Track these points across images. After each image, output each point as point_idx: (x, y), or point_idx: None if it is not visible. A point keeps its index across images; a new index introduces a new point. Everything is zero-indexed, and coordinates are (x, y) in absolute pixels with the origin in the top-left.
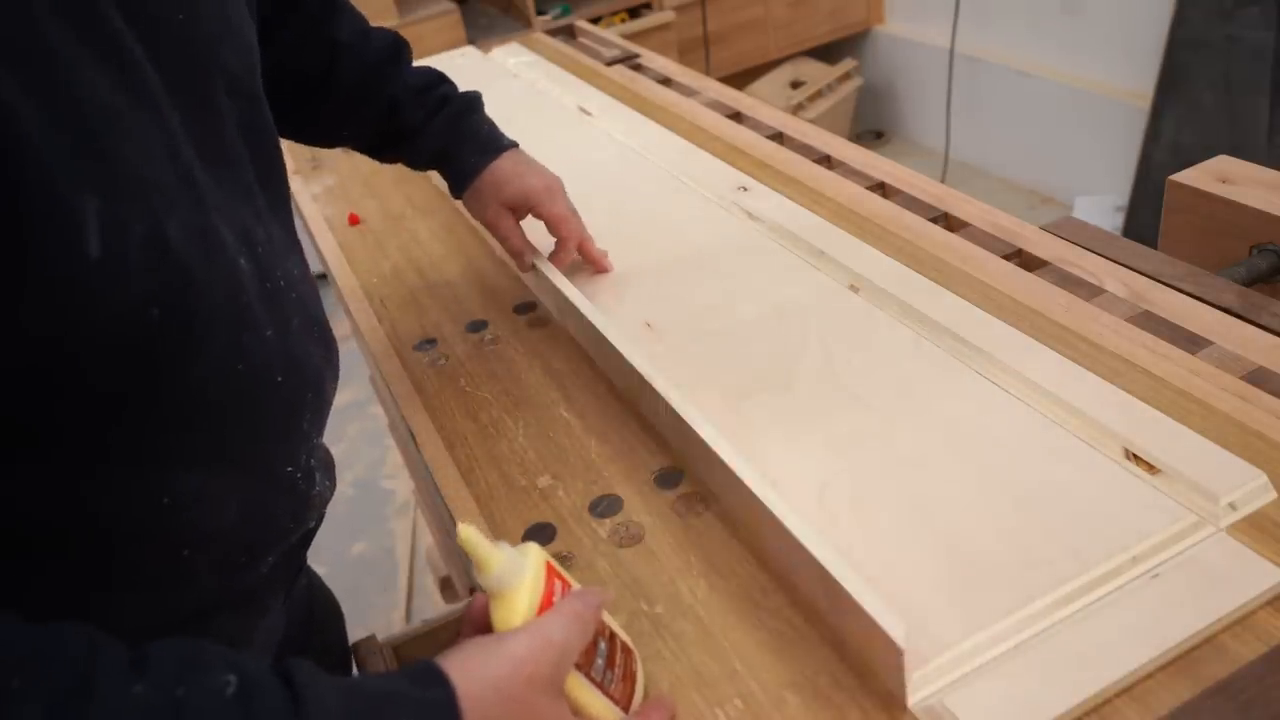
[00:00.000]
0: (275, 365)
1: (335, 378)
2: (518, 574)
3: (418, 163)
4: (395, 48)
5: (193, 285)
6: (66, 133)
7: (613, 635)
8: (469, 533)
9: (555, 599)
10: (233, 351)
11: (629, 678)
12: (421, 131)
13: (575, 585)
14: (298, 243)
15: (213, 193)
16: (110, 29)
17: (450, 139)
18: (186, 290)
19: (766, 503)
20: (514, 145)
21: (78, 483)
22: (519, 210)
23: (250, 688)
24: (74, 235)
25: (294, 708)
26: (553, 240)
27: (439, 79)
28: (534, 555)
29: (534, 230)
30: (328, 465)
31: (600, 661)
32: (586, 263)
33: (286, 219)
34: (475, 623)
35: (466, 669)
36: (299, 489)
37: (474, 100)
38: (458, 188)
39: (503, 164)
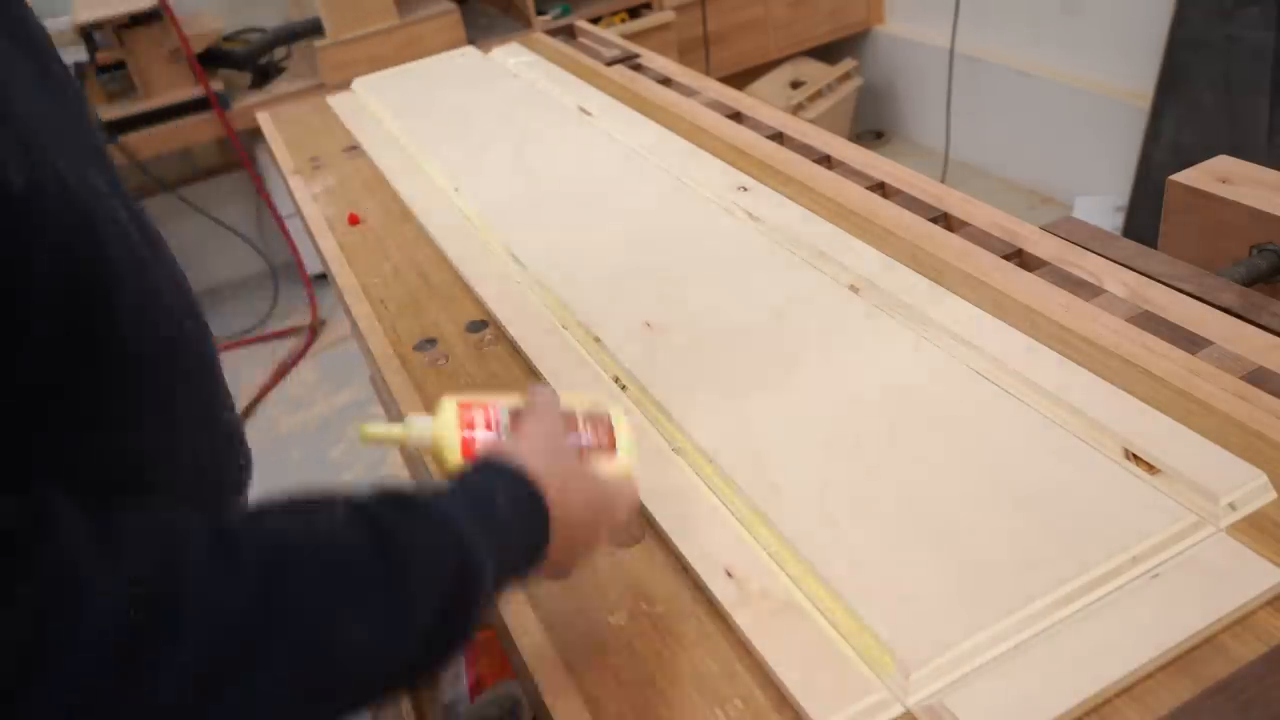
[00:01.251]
0: (176, 309)
1: (210, 336)
2: (428, 423)
3: None
4: None
5: (93, 225)
6: None
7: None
8: (367, 429)
9: (477, 423)
10: (138, 295)
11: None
12: None
13: (499, 401)
14: None
15: (69, 136)
16: None
17: None
18: (92, 229)
19: None
20: None
21: (34, 448)
22: None
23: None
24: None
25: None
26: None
27: None
28: (442, 407)
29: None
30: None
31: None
32: None
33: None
34: None
35: (505, 452)
36: (236, 430)
37: None
38: None
39: None
